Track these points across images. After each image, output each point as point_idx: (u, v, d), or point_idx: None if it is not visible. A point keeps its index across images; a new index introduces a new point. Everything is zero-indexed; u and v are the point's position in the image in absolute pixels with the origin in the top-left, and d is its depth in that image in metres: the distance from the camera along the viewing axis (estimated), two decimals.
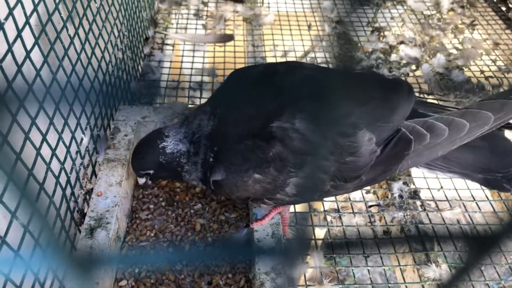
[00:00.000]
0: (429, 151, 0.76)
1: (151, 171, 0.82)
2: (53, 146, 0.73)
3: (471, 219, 1.00)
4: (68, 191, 0.79)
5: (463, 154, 0.80)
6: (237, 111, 0.76)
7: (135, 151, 0.83)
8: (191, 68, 1.32)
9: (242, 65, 1.35)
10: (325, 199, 1.00)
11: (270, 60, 1.40)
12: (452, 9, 1.66)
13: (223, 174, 0.73)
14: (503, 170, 0.80)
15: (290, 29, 1.53)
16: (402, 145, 0.74)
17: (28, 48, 0.65)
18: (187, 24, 1.53)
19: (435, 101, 0.90)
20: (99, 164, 0.91)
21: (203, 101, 1.23)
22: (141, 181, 0.85)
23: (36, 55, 0.67)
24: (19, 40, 0.63)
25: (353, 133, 0.70)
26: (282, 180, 0.71)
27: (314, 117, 0.69)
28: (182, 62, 1.35)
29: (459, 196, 1.04)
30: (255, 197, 0.75)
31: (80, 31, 0.84)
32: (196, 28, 1.51)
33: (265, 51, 1.44)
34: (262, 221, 0.82)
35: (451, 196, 1.04)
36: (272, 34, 1.50)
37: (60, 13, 0.77)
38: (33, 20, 0.67)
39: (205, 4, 1.62)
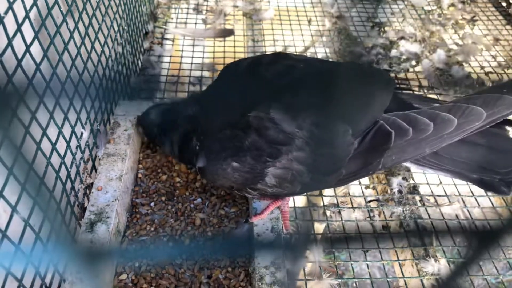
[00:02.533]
0: (414, 147, 0.72)
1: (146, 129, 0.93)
2: (53, 141, 0.74)
3: (470, 214, 1.00)
4: (68, 185, 0.80)
5: (457, 150, 0.75)
6: (222, 101, 0.78)
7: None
8: (191, 63, 1.32)
9: None
10: (324, 194, 1.00)
11: None
12: (452, 5, 1.66)
13: (204, 161, 0.75)
14: (502, 170, 0.74)
15: (290, 24, 1.53)
16: (381, 138, 0.71)
17: (28, 42, 0.65)
18: (187, 18, 1.52)
19: (435, 96, 0.86)
20: (99, 159, 0.91)
21: None
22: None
23: (35, 50, 0.67)
24: (19, 34, 0.62)
25: (328, 124, 0.69)
26: (260, 170, 0.71)
27: (289, 107, 0.70)
28: (181, 57, 1.35)
29: (458, 192, 1.04)
30: (237, 186, 0.76)
31: (80, 25, 0.84)
32: (196, 23, 1.50)
33: (265, 46, 1.43)
34: (262, 215, 0.82)
35: (450, 191, 1.04)
36: (272, 29, 1.50)
37: (60, 7, 0.76)
38: (32, 14, 0.67)
39: None
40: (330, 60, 0.94)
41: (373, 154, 0.72)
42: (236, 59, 1.32)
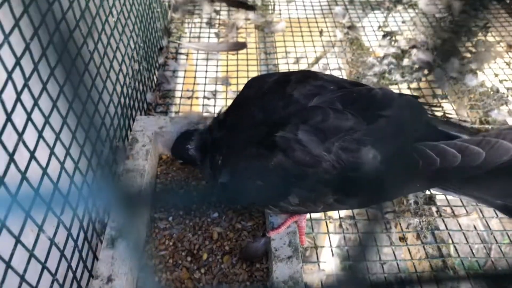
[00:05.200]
0: (440, 177, 0.72)
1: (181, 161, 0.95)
2: (76, 160, 0.76)
3: (488, 225, 0.99)
4: (90, 202, 0.82)
5: (482, 176, 0.74)
6: (247, 118, 0.78)
7: (173, 143, 0.93)
8: (205, 77, 1.34)
9: (255, 73, 1.36)
10: None
11: (282, 67, 1.42)
12: (464, 11, 1.65)
13: (228, 177, 0.76)
14: None
15: (302, 36, 1.54)
16: (409, 167, 0.71)
17: (52, 66, 0.67)
18: (200, 32, 1.55)
19: (458, 122, 0.84)
20: (119, 175, 0.93)
21: (217, 109, 1.25)
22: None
23: (59, 72, 0.69)
24: (44, 59, 0.65)
25: (357, 149, 0.69)
26: (284, 189, 0.72)
27: (318, 129, 0.70)
28: (196, 71, 1.37)
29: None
30: (259, 203, 0.76)
31: (99, 45, 0.87)
32: (209, 37, 1.53)
33: (277, 58, 1.45)
34: (279, 230, 0.83)
35: (467, 201, 1.03)
36: (284, 41, 1.51)
37: (80, 30, 0.79)
38: (55, 38, 0.69)
39: (217, 12, 1.64)
40: (361, 82, 0.92)
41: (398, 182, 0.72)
42: (251, 73, 1.35)
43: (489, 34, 1.56)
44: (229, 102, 1.13)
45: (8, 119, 0.57)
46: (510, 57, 1.45)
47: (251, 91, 0.84)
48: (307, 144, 0.69)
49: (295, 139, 0.69)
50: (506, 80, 1.36)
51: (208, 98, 1.28)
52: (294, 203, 0.73)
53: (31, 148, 0.61)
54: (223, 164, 0.77)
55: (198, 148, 0.87)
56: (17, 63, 0.59)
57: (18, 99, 0.59)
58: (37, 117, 0.64)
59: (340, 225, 0.98)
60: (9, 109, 0.57)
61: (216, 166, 0.78)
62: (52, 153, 0.67)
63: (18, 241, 0.57)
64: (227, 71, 1.37)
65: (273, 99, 0.77)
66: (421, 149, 0.70)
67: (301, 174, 0.69)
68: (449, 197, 1.04)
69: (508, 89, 1.33)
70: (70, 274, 0.72)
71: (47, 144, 0.66)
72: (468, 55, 1.44)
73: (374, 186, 0.71)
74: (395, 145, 0.70)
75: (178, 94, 1.29)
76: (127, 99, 1.04)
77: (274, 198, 0.73)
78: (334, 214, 1.01)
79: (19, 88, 0.59)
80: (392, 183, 0.70)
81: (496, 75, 1.38)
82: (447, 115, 1.12)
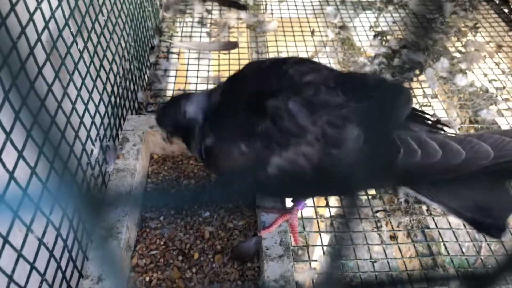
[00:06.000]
0: (419, 173, 0.71)
1: (169, 128, 0.85)
2: (65, 159, 0.75)
3: None
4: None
5: (457, 186, 0.73)
6: (241, 89, 0.80)
7: (163, 106, 0.87)
8: (197, 76, 1.34)
9: None
10: (330, 205, 1.01)
11: None
12: (454, 12, 1.67)
13: (212, 140, 0.76)
14: (494, 213, 0.72)
15: (294, 35, 1.55)
16: (390, 152, 0.69)
17: (40, 64, 0.67)
18: (191, 32, 1.54)
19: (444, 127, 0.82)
20: (109, 174, 0.92)
21: None
22: (163, 135, 0.88)
23: (48, 71, 0.69)
24: (31, 57, 0.64)
25: (342, 125, 0.69)
26: (265, 157, 0.72)
27: (308, 102, 0.71)
28: (187, 70, 1.37)
29: None
30: (238, 171, 0.76)
31: (89, 44, 0.86)
32: (200, 36, 1.53)
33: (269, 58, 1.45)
34: (270, 229, 0.83)
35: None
36: (276, 41, 1.52)
37: (70, 28, 0.78)
38: (44, 37, 0.69)
39: (209, 11, 1.64)
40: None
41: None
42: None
43: (479, 34, 1.58)
44: None
45: None
46: (499, 57, 1.46)
47: (250, 69, 0.85)
48: (296, 114, 0.70)
49: (285, 108, 0.70)
50: (495, 80, 1.38)
51: None
52: (271, 173, 0.72)
53: (19, 147, 0.61)
54: (210, 128, 0.77)
55: (200, 111, 0.81)
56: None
57: (6, 98, 0.59)
58: (26, 117, 0.63)
59: (332, 224, 0.99)
60: None
61: (203, 131, 0.78)
62: (41, 152, 0.67)
63: (6, 241, 0.57)
64: (218, 71, 1.37)
65: (269, 75, 0.79)
66: (404, 138, 0.70)
67: (284, 142, 0.70)
68: None
69: (497, 89, 1.35)
70: (60, 274, 0.71)
71: (36, 143, 0.66)
72: (458, 55, 1.46)
73: (353, 168, 0.70)
74: (379, 127, 0.70)
75: (169, 93, 1.29)
76: (118, 98, 1.03)
77: (253, 166, 0.73)
78: (325, 212, 1.01)
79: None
80: (370, 167, 0.70)
81: (485, 75, 1.39)
82: (436, 117, 1.13)
